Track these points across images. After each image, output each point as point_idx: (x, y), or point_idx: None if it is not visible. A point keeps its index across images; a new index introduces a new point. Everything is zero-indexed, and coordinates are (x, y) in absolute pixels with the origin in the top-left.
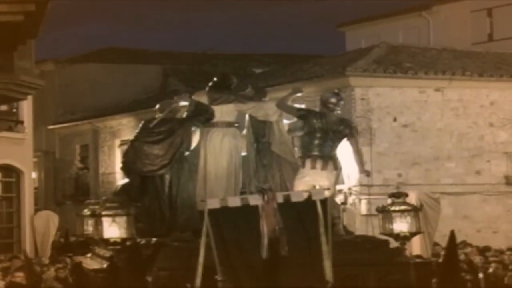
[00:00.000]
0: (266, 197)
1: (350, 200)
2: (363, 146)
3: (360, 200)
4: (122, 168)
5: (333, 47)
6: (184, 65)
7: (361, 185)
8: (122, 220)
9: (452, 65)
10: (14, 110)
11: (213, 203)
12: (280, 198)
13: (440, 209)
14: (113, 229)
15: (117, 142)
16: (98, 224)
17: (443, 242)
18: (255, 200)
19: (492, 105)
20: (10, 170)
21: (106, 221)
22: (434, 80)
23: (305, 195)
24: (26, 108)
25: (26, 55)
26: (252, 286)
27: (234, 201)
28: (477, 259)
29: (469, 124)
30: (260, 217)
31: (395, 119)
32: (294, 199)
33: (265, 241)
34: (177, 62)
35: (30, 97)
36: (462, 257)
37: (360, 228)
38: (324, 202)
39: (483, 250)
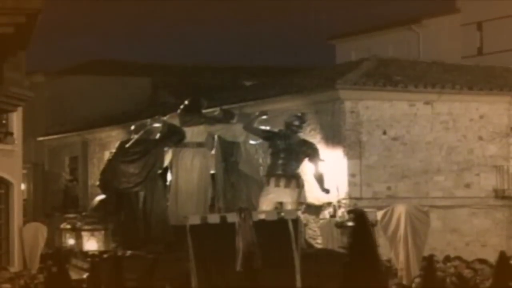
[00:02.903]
0: (243, 215)
1: (339, 213)
2: (352, 159)
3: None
4: (100, 185)
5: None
6: (174, 78)
7: (351, 198)
8: (100, 234)
9: (442, 78)
10: (4, 121)
11: (194, 219)
12: (255, 216)
13: (429, 222)
14: (92, 242)
15: (107, 154)
16: (78, 238)
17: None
18: (232, 217)
19: (482, 119)
20: None
21: (85, 235)
22: (424, 94)
23: (279, 215)
24: (15, 120)
25: (16, 67)
26: None
27: (214, 218)
28: (466, 272)
29: (459, 138)
30: (237, 233)
31: (384, 132)
32: (269, 218)
33: (240, 255)
34: (166, 74)
35: (19, 109)
36: (451, 270)
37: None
38: (295, 221)
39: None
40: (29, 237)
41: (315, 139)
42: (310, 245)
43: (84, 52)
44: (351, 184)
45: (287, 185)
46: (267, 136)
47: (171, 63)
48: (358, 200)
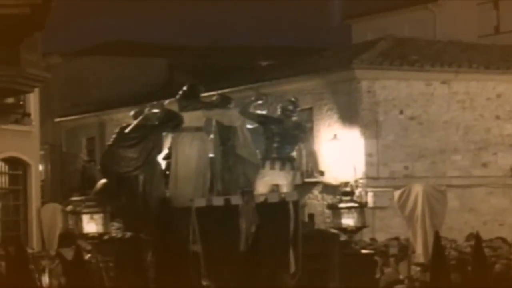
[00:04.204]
0: (245, 198)
1: (357, 192)
2: (369, 139)
3: (366, 192)
4: (101, 170)
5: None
6: (190, 58)
7: (368, 177)
8: (99, 217)
9: (459, 57)
10: (21, 102)
11: (200, 202)
12: (258, 199)
13: (446, 202)
14: (91, 225)
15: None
16: (78, 220)
17: (450, 235)
18: (236, 200)
19: (499, 98)
20: (17, 163)
21: (85, 218)
22: (441, 73)
23: (280, 196)
24: (32, 101)
25: (33, 48)
26: (232, 275)
27: (218, 201)
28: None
29: (476, 117)
30: (240, 215)
31: (401, 112)
32: (270, 200)
33: (244, 236)
34: (183, 55)
35: (36, 90)
36: (468, 250)
37: (366, 221)
38: (295, 203)
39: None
40: (47, 218)
41: (332, 119)
42: (305, 225)
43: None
44: (368, 164)
45: (281, 168)
46: (262, 121)
47: (187, 44)
48: (375, 180)
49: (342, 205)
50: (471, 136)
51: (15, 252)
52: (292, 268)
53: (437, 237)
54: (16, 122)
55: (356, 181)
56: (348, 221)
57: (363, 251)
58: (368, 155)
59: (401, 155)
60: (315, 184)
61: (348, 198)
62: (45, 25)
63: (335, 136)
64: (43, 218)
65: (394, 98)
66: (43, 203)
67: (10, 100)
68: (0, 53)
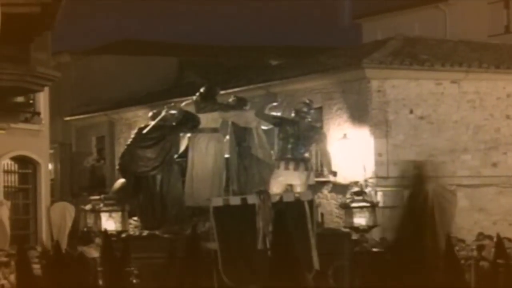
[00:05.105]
0: (262, 197)
1: (366, 192)
2: (379, 138)
3: (376, 192)
4: (119, 169)
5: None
6: (201, 57)
7: (377, 177)
8: (118, 215)
9: (469, 57)
10: (31, 101)
11: (217, 201)
12: (274, 198)
13: (456, 202)
14: (110, 223)
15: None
16: (97, 218)
17: (460, 235)
18: (253, 199)
19: (509, 97)
20: (26, 162)
21: (104, 216)
22: (451, 72)
23: (295, 196)
24: (42, 100)
25: (43, 47)
26: (249, 273)
27: (235, 200)
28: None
29: (486, 116)
30: (257, 214)
31: (411, 111)
32: (286, 199)
33: (261, 234)
34: (193, 54)
35: (46, 89)
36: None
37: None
38: (311, 202)
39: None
40: (56, 217)
41: (342, 118)
42: (318, 225)
43: (110, 32)
44: (377, 163)
45: (296, 168)
46: (277, 122)
47: (198, 43)
48: (385, 179)
49: (354, 204)
50: (481, 135)
51: (17, 252)
52: (316, 266)
53: (449, 238)
54: (26, 121)
55: (365, 180)
56: (360, 220)
57: (374, 249)
58: (378, 154)
59: (410, 155)
60: (324, 183)
61: (360, 197)
62: (55, 24)
63: (344, 135)
64: (53, 217)
65: (404, 97)
66: (52, 202)
67: (20, 99)
68: (10, 52)
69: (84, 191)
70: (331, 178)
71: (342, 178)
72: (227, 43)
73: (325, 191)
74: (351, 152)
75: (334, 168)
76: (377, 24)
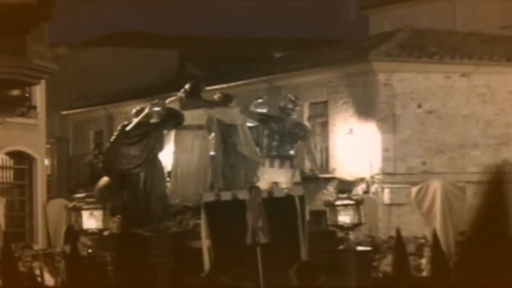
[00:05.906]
0: (252, 192)
1: (373, 189)
2: (386, 133)
3: (383, 189)
4: (103, 167)
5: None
6: (201, 50)
7: (384, 173)
8: (99, 213)
9: (479, 49)
10: (27, 95)
11: (208, 197)
12: (264, 193)
13: (466, 199)
14: (91, 221)
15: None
16: (78, 217)
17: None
18: (243, 195)
19: None
20: (22, 157)
21: (85, 214)
22: (460, 65)
23: (286, 191)
24: (39, 93)
25: (39, 39)
26: (239, 268)
27: (226, 195)
28: None
29: (496, 111)
30: (247, 209)
31: (419, 106)
32: (276, 194)
33: (250, 230)
34: (194, 47)
35: (43, 82)
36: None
37: (382, 218)
38: (301, 198)
39: None
40: (53, 214)
41: (348, 112)
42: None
43: (109, 23)
44: (384, 159)
45: (281, 166)
46: (262, 119)
47: (199, 35)
48: (392, 176)
49: (338, 202)
50: (492, 130)
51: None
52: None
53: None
54: (22, 115)
55: (372, 177)
56: (344, 218)
57: (359, 248)
58: (385, 150)
59: (418, 150)
60: (329, 179)
61: (344, 195)
62: (52, 15)
63: (350, 130)
64: (49, 214)
65: (412, 91)
66: (49, 199)
67: (15, 92)
68: (7, 44)
69: (81, 188)
70: (336, 174)
71: (348, 174)
72: (229, 35)
73: (330, 187)
74: (357, 147)
75: (339, 164)
76: (384, 15)
